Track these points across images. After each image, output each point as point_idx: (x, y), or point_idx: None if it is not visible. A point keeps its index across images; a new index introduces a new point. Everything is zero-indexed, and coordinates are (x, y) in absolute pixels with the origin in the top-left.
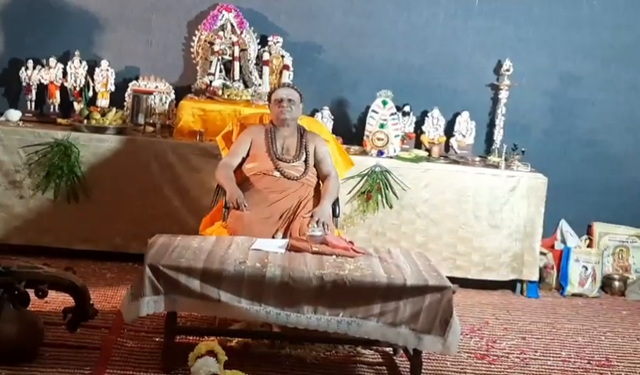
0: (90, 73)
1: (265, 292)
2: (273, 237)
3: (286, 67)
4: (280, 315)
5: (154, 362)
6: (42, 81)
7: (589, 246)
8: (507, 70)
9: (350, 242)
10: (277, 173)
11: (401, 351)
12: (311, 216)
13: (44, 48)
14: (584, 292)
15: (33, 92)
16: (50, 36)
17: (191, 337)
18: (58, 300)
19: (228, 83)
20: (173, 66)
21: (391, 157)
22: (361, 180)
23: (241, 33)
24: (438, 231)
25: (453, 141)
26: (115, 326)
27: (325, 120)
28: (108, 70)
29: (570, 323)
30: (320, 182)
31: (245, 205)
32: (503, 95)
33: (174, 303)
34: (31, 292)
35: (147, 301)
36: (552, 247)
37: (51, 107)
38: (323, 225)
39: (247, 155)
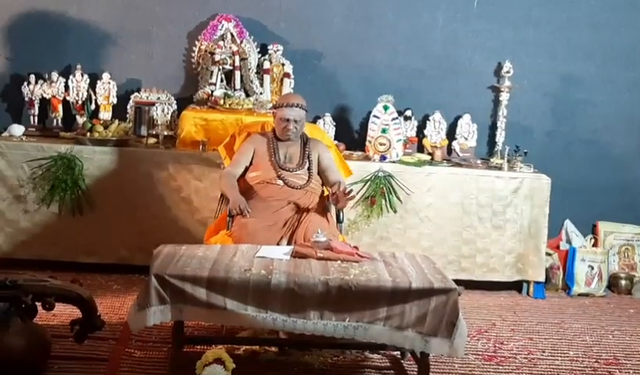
0: (92, 86)
1: (271, 299)
2: (278, 245)
3: (286, 75)
4: (287, 321)
5: (162, 372)
6: (44, 96)
7: (594, 245)
8: (508, 72)
9: (355, 247)
10: (280, 182)
11: (409, 355)
12: (334, 191)
13: (46, 62)
14: (590, 292)
15: (36, 107)
16: (51, 50)
17: (199, 347)
18: (66, 312)
19: (229, 92)
20: (174, 76)
21: (394, 162)
22: (365, 185)
23: (241, 42)
24: (442, 234)
25: (455, 144)
26: (122, 337)
27: (327, 127)
28: (109, 83)
29: (577, 322)
30: (325, 189)
31: (248, 211)
32: (504, 97)
33: (180, 312)
34: (38, 305)
35: (154, 310)
36: (558, 247)
37: (54, 121)
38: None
39: (250, 163)
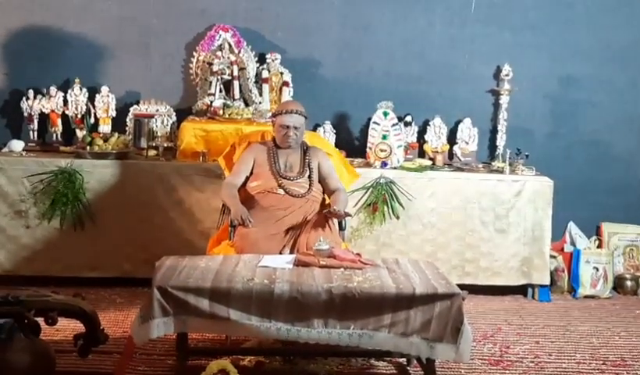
0: (91, 99)
1: (275, 308)
2: (280, 254)
3: (285, 84)
4: (291, 330)
5: None
6: (43, 110)
7: (599, 247)
8: (507, 75)
9: (358, 254)
10: (281, 191)
11: (415, 361)
12: (329, 211)
13: (44, 77)
14: (596, 293)
15: (35, 122)
16: (49, 65)
17: (204, 359)
18: (69, 327)
19: (228, 102)
20: (173, 88)
21: (395, 168)
22: (367, 192)
23: (239, 52)
24: (446, 239)
25: (456, 148)
26: (126, 350)
27: (327, 135)
28: (108, 96)
29: (583, 324)
30: (326, 197)
31: (250, 221)
32: (504, 100)
33: (184, 324)
34: (41, 321)
35: (157, 323)
36: (562, 250)
37: (54, 135)
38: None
39: (251, 173)
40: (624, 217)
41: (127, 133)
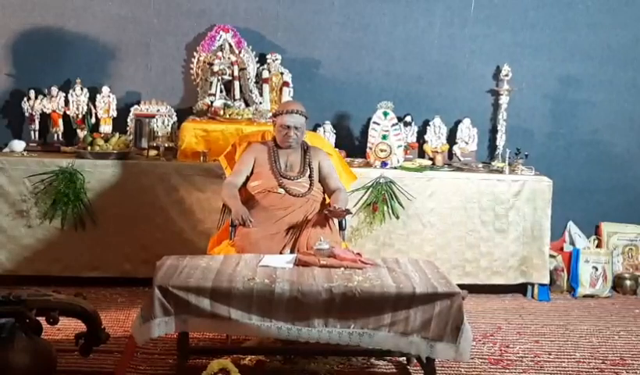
0: (92, 99)
1: (275, 308)
2: (280, 253)
3: (285, 84)
4: (291, 330)
5: None
6: (44, 111)
7: (598, 246)
8: (506, 75)
9: (358, 254)
10: (281, 190)
11: (415, 361)
12: (329, 210)
13: (45, 77)
14: (595, 293)
15: (37, 122)
16: (50, 65)
17: (204, 358)
18: (70, 326)
19: (229, 102)
20: (174, 88)
21: (395, 168)
22: (366, 192)
23: (239, 52)
24: (445, 239)
25: (456, 148)
26: (127, 349)
27: (327, 135)
28: (109, 96)
29: (582, 324)
30: (326, 197)
31: (250, 221)
32: (504, 100)
33: (185, 323)
34: (42, 320)
35: (158, 322)
36: (561, 249)
37: (55, 136)
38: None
39: (252, 173)
40: (624, 217)
41: (128, 133)
